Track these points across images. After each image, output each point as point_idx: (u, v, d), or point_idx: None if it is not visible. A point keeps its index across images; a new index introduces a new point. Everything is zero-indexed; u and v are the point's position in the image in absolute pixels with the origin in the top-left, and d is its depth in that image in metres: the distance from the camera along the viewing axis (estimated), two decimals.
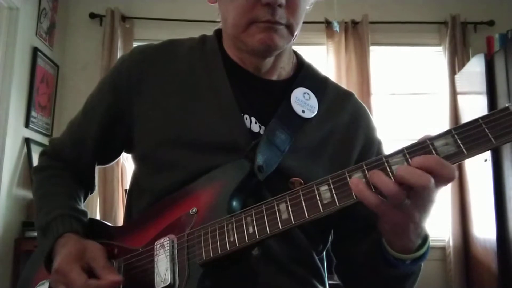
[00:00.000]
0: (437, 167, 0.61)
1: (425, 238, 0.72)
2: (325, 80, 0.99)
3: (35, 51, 3.28)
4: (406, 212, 0.64)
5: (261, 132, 0.87)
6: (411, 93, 3.89)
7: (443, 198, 3.58)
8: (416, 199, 0.62)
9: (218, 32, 0.97)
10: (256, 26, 0.82)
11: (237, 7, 0.83)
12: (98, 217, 3.37)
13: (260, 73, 0.92)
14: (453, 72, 3.71)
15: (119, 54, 3.61)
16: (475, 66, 3.29)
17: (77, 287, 0.74)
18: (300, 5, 0.84)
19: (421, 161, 0.61)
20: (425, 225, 0.68)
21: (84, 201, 1.00)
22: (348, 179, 0.66)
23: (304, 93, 0.92)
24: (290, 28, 0.84)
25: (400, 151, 0.65)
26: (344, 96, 0.99)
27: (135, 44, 3.71)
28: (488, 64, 3.15)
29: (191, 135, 0.85)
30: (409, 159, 0.63)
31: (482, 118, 0.61)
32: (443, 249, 3.61)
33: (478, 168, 3.20)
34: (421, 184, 0.60)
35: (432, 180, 0.60)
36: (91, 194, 1.04)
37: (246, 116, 0.87)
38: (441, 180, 0.61)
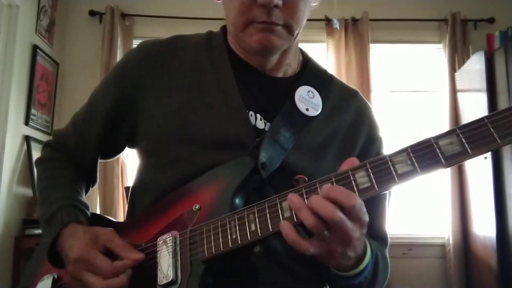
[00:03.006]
0: (339, 197, 0.63)
1: (361, 258, 0.73)
2: (330, 78, 0.99)
3: (34, 48, 3.27)
4: (326, 244, 0.65)
5: (266, 128, 0.87)
6: (411, 90, 3.89)
7: (443, 195, 3.59)
8: (333, 231, 0.64)
9: (225, 28, 0.97)
10: (253, 27, 0.83)
11: (235, 7, 0.83)
12: None
13: (265, 70, 0.92)
14: (453, 70, 3.70)
15: (119, 52, 3.60)
16: (475, 64, 3.29)
17: (104, 271, 0.75)
18: (299, 4, 0.83)
19: (325, 191, 0.64)
20: (355, 252, 0.69)
21: (86, 193, 1.00)
22: (352, 177, 0.66)
23: (308, 91, 0.92)
24: (288, 28, 0.84)
25: (404, 150, 0.65)
26: (349, 94, 0.99)
27: (135, 42, 3.72)
28: (488, 62, 3.15)
29: (196, 131, 0.85)
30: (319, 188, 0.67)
31: (487, 117, 0.61)
32: (442, 246, 3.62)
33: (478, 166, 3.20)
34: (327, 216, 0.62)
35: (338, 213, 0.62)
36: (92, 187, 1.05)
37: (251, 113, 0.87)
38: (343, 209, 0.63)
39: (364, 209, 0.65)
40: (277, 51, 0.87)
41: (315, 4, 0.92)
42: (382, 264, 0.85)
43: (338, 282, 0.75)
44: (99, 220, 0.93)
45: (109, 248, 0.78)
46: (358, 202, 0.64)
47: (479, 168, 3.19)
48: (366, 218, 0.66)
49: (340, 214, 0.62)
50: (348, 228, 0.64)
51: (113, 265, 0.75)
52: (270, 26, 0.82)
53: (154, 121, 0.88)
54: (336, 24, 3.58)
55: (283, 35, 0.84)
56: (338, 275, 0.74)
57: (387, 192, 0.94)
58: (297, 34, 0.87)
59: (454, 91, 3.68)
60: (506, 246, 2.91)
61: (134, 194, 0.95)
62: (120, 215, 3.38)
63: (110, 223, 0.93)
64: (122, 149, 1.01)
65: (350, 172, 0.67)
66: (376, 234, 0.91)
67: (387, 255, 0.91)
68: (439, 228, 3.67)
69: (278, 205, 0.69)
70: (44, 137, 3.37)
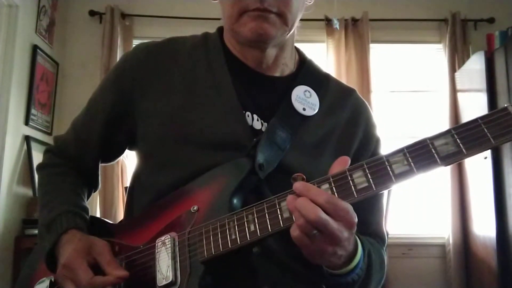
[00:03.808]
0: (325, 205, 0.64)
1: (352, 255, 0.73)
2: (326, 77, 0.99)
3: (34, 48, 3.27)
4: (316, 243, 0.66)
5: (263, 129, 0.87)
6: (411, 90, 3.89)
7: (443, 195, 3.59)
8: (320, 231, 0.65)
9: (221, 29, 0.97)
10: (247, 15, 0.83)
11: None
12: (98, 215, 3.37)
13: (262, 69, 0.92)
14: (453, 70, 3.70)
15: (119, 52, 3.60)
16: (475, 64, 3.29)
17: (83, 284, 0.75)
18: None
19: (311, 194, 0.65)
20: (345, 251, 0.70)
21: (88, 198, 1.01)
22: (349, 177, 0.67)
23: (305, 91, 0.92)
24: (282, 17, 0.84)
25: (401, 150, 0.66)
26: (346, 92, 0.99)
27: (135, 42, 3.72)
28: (488, 62, 3.15)
29: (193, 132, 0.85)
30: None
31: (481, 118, 0.62)
32: (442, 246, 3.62)
33: (478, 166, 3.20)
34: (307, 216, 0.63)
35: (320, 213, 0.63)
36: (94, 191, 1.05)
37: (248, 113, 0.88)
38: (335, 218, 0.64)
39: (351, 211, 0.66)
40: (271, 41, 0.87)
41: (310, 1, 0.93)
42: (377, 261, 0.85)
43: (332, 280, 0.75)
44: (97, 224, 0.93)
45: (97, 262, 0.79)
46: (333, 200, 0.65)
47: (479, 168, 3.19)
48: (352, 219, 0.66)
49: (321, 215, 0.63)
50: (333, 227, 0.64)
51: (92, 280, 0.75)
52: (263, 14, 0.82)
53: (152, 122, 0.88)
54: (336, 24, 3.58)
55: (277, 23, 0.84)
56: (330, 273, 0.74)
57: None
58: (292, 25, 0.87)
59: (454, 91, 3.68)
60: (506, 246, 2.91)
61: (132, 194, 0.96)
62: (120, 215, 3.38)
63: (107, 226, 0.94)
64: (122, 152, 1.01)
65: (347, 173, 0.67)
66: (373, 232, 0.91)
67: (384, 253, 0.91)
68: (439, 228, 3.67)
69: (277, 206, 0.70)
70: (44, 137, 3.37)
